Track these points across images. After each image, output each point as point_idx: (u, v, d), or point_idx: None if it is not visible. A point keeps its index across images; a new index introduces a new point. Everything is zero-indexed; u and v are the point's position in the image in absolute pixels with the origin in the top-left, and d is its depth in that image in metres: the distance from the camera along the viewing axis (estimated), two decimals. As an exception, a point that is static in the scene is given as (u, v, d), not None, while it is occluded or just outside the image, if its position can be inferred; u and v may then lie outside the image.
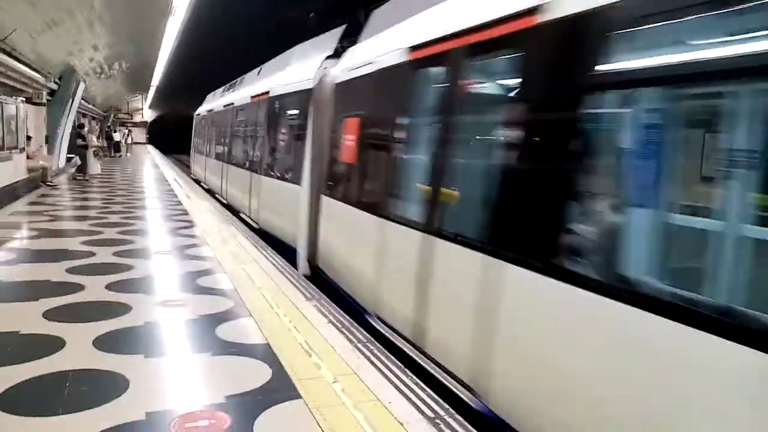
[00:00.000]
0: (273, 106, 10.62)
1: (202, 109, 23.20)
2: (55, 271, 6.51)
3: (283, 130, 10.22)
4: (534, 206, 3.48)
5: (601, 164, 3.11)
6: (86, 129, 21.29)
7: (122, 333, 4.68)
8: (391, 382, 3.94)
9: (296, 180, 8.44)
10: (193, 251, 8.10)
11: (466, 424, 3.42)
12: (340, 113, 6.99)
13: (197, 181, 21.37)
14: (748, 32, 2.47)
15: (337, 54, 7.99)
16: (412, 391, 3.83)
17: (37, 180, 16.70)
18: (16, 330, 4.60)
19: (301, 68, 9.51)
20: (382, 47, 6.04)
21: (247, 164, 12.61)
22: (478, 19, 4.16)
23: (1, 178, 14.78)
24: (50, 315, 5.01)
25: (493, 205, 3.79)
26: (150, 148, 54.73)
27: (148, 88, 46.74)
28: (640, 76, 2.94)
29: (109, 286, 6.00)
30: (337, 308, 5.69)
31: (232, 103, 15.31)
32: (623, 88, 3.07)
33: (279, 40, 13.61)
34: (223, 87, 19.88)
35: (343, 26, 8.35)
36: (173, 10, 16.85)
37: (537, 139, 3.59)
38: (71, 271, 6.58)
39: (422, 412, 3.52)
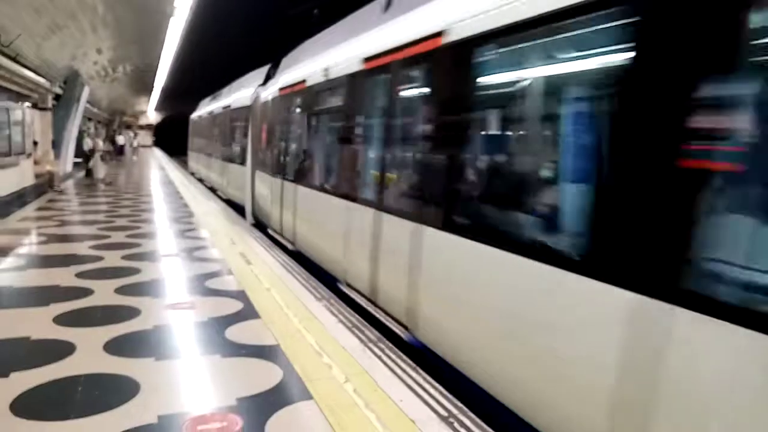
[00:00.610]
0: (232, 115, 16.10)
1: (194, 115, 29.13)
2: (65, 276, 6.53)
3: (236, 130, 15.40)
4: (416, 181, 4.85)
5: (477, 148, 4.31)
6: (92, 133, 21.49)
7: (132, 336, 4.69)
8: (403, 381, 3.93)
9: (243, 162, 13.61)
10: (201, 253, 8.11)
11: (480, 422, 3.40)
12: (262, 119, 11.68)
13: (192, 174, 25.97)
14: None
15: (264, 83, 12.42)
16: (423, 389, 3.81)
17: (45, 185, 16.77)
18: (27, 335, 4.62)
19: (245, 92, 14.55)
20: (274, 83, 10.78)
21: (219, 154, 18.27)
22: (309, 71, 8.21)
23: (9, 184, 14.87)
24: (60, 320, 5.02)
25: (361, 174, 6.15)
26: (156, 150, 54.89)
27: (153, 90, 46.88)
28: (495, 86, 4.21)
29: (119, 290, 6.01)
30: (347, 307, 5.68)
31: (212, 111, 20.99)
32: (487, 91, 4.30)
33: (282, 39, 13.62)
34: (209, 98, 25.42)
35: (269, 65, 12.74)
36: (175, 12, 16.84)
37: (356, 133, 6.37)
38: (80, 275, 6.59)
39: (435, 411, 3.50)
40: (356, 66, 6.03)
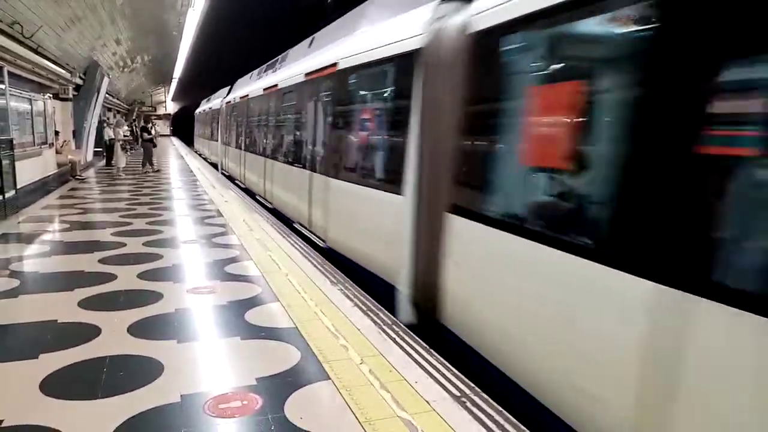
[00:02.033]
0: (236, 106, 18.79)
1: (199, 109, 35.05)
2: (88, 262, 6.71)
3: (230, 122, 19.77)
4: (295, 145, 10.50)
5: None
6: (114, 122, 21.84)
7: (155, 319, 4.83)
8: (417, 362, 4.01)
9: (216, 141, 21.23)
10: (220, 239, 8.25)
11: (492, 401, 3.48)
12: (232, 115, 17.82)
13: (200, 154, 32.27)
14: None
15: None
16: (437, 370, 3.89)
17: (66, 174, 17.07)
18: (55, 319, 4.78)
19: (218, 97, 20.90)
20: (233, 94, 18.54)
21: (218, 138, 23.74)
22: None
23: (33, 173, 15.15)
24: (85, 304, 5.18)
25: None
26: (174, 139, 55.39)
27: (171, 81, 47.25)
28: (361, 96, 7.41)
29: (141, 275, 6.17)
30: (362, 291, 5.78)
31: (211, 108, 26.60)
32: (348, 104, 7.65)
33: (298, 28, 13.65)
34: (210, 97, 31.11)
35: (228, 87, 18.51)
36: (193, 2, 16.96)
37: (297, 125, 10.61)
38: (103, 261, 6.77)
39: (448, 391, 3.58)
40: (301, 77, 9.78)
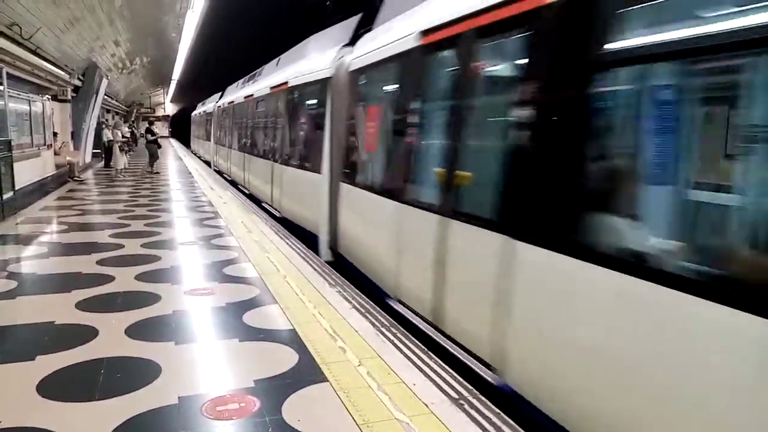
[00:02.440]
0: (224, 110, 21.20)
1: (195, 112, 36.76)
2: (86, 264, 6.70)
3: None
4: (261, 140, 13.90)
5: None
6: (113, 123, 21.85)
7: (152, 321, 4.82)
8: (415, 365, 4.01)
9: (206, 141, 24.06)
10: (218, 241, 8.25)
11: (490, 404, 3.47)
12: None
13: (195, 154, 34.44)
14: None
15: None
16: (435, 372, 3.88)
17: (65, 175, 17.05)
18: (52, 320, 4.77)
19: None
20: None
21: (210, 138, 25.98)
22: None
23: (31, 175, 15.13)
24: (83, 305, 5.17)
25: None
26: (173, 141, 55.36)
27: (170, 83, 47.30)
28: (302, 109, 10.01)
29: (139, 277, 6.16)
30: (360, 293, 5.78)
31: (206, 111, 29.73)
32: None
33: (296, 29, 13.65)
34: (205, 100, 32.62)
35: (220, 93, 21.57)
36: (192, 3, 16.97)
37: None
38: (101, 263, 6.76)
39: (446, 394, 3.57)
40: (267, 90, 12.73)
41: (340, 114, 7.50)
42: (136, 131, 36.04)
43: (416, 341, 4.49)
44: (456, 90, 4.59)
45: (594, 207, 3.07)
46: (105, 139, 22.66)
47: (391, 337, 4.53)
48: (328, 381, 3.72)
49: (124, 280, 6.04)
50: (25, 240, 8.19)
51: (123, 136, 22.83)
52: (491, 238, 3.74)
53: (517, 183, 3.58)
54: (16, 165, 11.56)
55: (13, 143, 11.79)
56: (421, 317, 4.88)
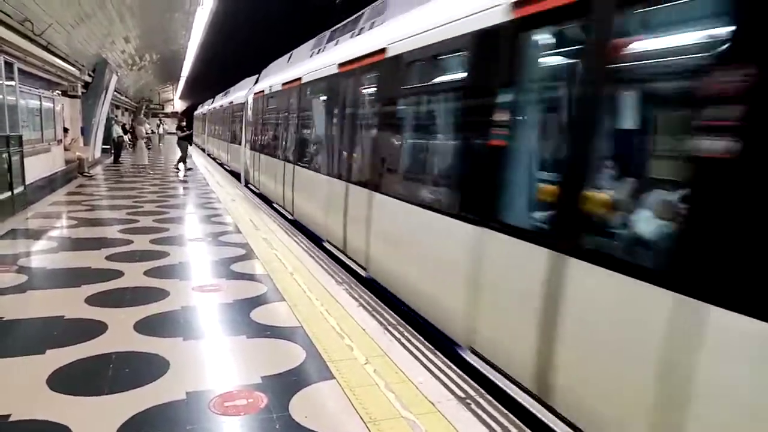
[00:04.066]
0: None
1: (210, 107, 36.54)
2: (96, 259, 6.74)
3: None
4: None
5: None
6: (137, 120, 22.17)
7: (161, 317, 4.85)
8: (422, 363, 4.01)
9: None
10: (226, 238, 8.28)
11: (497, 403, 3.47)
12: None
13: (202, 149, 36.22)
14: None
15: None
16: (442, 371, 3.89)
17: (74, 171, 17.15)
18: (62, 315, 4.80)
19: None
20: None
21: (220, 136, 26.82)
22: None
23: (41, 170, 15.25)
24: (92, 300, 5.20)
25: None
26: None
27: (179, 79, 47.43)
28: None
29: (147, 273, 6.19)
30: (368, 291, 5.79)
31: (214, 107, 31.07)
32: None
33: (305, 28, 13.68)
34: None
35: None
36: (201, 1, 17.02)
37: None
38: (110, 258, 6.80)
39: (453, 392, 3.58)
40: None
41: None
42: (142, 128, 34.99)
43: (423, 339, 4.50)
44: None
45: None
46: (114, 135, 22.78)
47: (398, 336, 4.54)
48: (335, 378, 3.73)
49: (133, 275, 6.07)
50: (35, 234, 8.25)
51: (146, 133, 23.13)
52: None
53: None
54: (26, 160, 11.66)
55: (23, 138, 11.86)
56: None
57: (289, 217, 10.59)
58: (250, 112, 16.73)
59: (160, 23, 20.91)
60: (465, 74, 4.69)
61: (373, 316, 5.02)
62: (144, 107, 52.78)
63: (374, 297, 5.62)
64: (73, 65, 18.48)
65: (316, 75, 9.20)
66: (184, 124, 22.13)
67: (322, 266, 6.71)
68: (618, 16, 3.09)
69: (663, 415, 2.61)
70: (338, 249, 7.56)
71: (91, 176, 16.88)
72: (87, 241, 7.73)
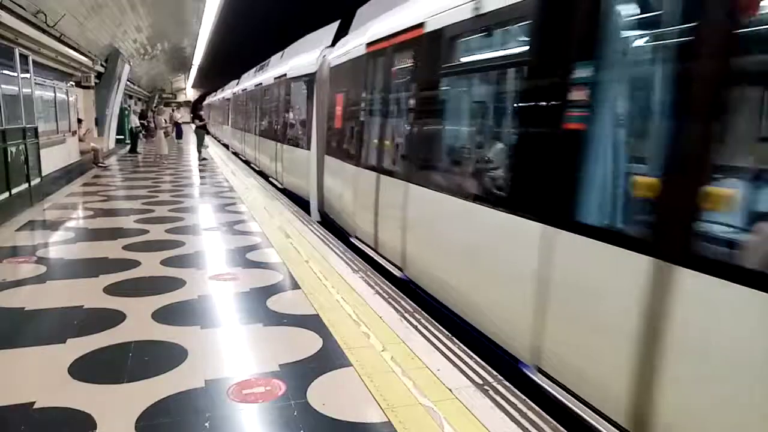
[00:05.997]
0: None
1: (215, 98, 40.44)
2: (112, 249, 6.80)
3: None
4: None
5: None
6: (156, 110, 22.54)
7: (178, 306, 4.89)
8: (439, 350, 4.01)
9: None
10: (241, 227, 8.31)
11: (515, 389, 3.46)
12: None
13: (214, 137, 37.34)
14: None
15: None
16: (459, 358, 3.88)
17: (89, 162, 17.29)
18: (81, 304, 4.85)
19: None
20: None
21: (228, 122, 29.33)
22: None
23: (57, 161, 15.37)
24: (110, 290, 5.25)
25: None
26: (193, 126, 55.69)
27: (190, 68, 47.46)
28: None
29: (164, 262, 6.24)
30: (384, 279, 5.78)
31: (224, 97, 33.01)
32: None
33: (313, 15, 13.61)
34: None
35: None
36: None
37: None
38: (127, 248, 6.85)
39: (470, 379, 3.57)
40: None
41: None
42: (162, 117, 34.29)
43: (440, 326, 4.49)
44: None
45: None
46: (132, 125, 22.90)
47: (415, 323, 4.54)
48: (352, 366, 3.74)
49: (150, 265, 6.12)
50: (53, 225, 8.33)
51: (165, 122, 23.55)
52: None
53: None
54: (42, 151, 11.75)
55: (39, 130, 11.95)
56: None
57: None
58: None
59: (171, 12, 20.89)
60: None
61: (390, 302, 5.01)
62: (157, 96, 52.96)
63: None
64: (85, 56, 18.56)
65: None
66: (201, 113, 23.77)
67: (337, 254, 6.71)
68: None
69: None
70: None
71: (105, 167, 17.01)
72: (104, 232, 7.80)
